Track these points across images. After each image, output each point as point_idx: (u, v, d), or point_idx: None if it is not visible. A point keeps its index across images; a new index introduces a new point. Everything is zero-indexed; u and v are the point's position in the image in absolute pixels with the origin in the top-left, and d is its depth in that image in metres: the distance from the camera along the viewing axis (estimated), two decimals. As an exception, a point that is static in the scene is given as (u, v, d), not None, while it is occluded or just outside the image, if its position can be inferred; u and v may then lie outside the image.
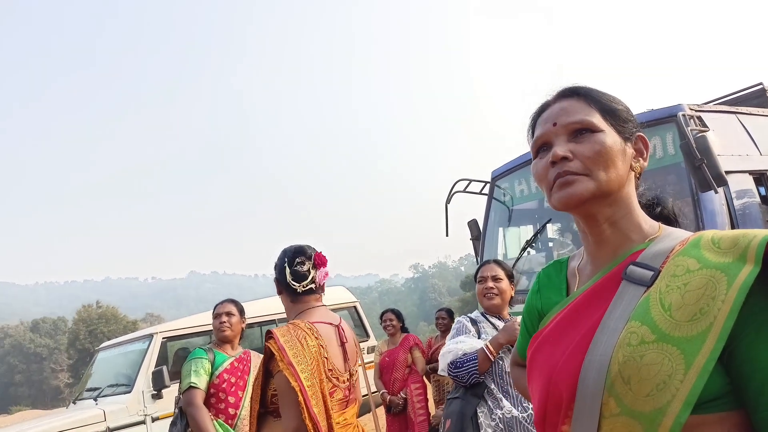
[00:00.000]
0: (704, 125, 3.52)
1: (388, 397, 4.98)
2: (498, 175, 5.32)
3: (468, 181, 5.64)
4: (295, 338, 1.80)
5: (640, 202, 0.97)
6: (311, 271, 2.03)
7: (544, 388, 0.87)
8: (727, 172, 3.27)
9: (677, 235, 0.89)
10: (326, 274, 2.08)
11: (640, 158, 0.94)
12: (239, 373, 3.13)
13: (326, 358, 1.86)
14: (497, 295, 2.68)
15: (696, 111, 3.64)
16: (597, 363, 0.78)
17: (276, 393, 1.83)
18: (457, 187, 5.57)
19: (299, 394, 1.70)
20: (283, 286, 2.03)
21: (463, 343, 2.61)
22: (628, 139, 0.92)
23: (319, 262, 2.06)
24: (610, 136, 0.89)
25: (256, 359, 3.23)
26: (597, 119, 0.90)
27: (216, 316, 3.25)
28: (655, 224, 0.94)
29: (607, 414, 0.76)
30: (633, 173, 0.93)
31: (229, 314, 3.23)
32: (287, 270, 2.01)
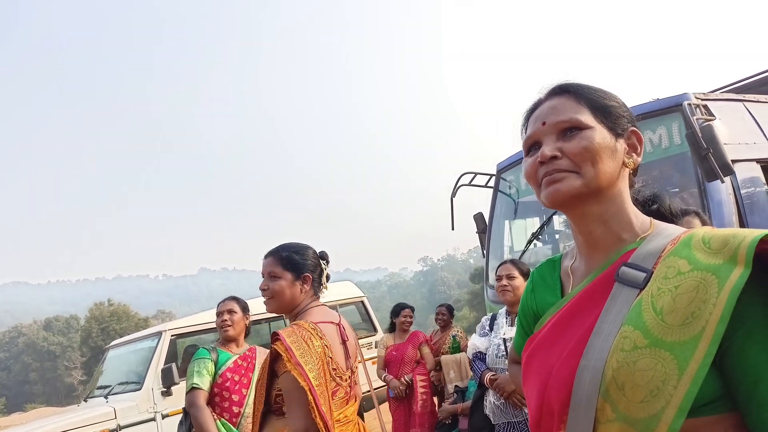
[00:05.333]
0: (710, 114, 3.48)
1: (390, 379, 4.91)
2: (503, 168, 5.28)
3: (473, 174, 5.60)
4: (301, 339, 1.81)
5: (636, 199, 0.96)
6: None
7: (539, 392, 0.87)
8: (734, 161, 3.23)
9: (669, 232, 0.87)
10: None
11: (634, 153, 0.92)
12: (243, 371, 3.10)
13: (331, 357, 1.88)
14: (510, 291, 3.12)
15: (702, 99, 3.59)
16: (591, 369, 0.77)
17: (280, 393, 1.84)
18: (463, 180, 5.54)
19: (309, 393, 1.71)
20: (309, 283, 2.08)
21: (477, 340, 3.42)
22: (620, 135, 0.91)
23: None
24: (599, 133, 0.88)
25: (262, 355, 3.21)
26: (586, 117, 0.89)
27: (218, 314, 3.22)
28: (647, 220, 0.92)
29: (602, 420, 0.75)
30: (626, 169, 0.91)
31: (231, 312, 3.20)
32: (325, 271, 2.16)
